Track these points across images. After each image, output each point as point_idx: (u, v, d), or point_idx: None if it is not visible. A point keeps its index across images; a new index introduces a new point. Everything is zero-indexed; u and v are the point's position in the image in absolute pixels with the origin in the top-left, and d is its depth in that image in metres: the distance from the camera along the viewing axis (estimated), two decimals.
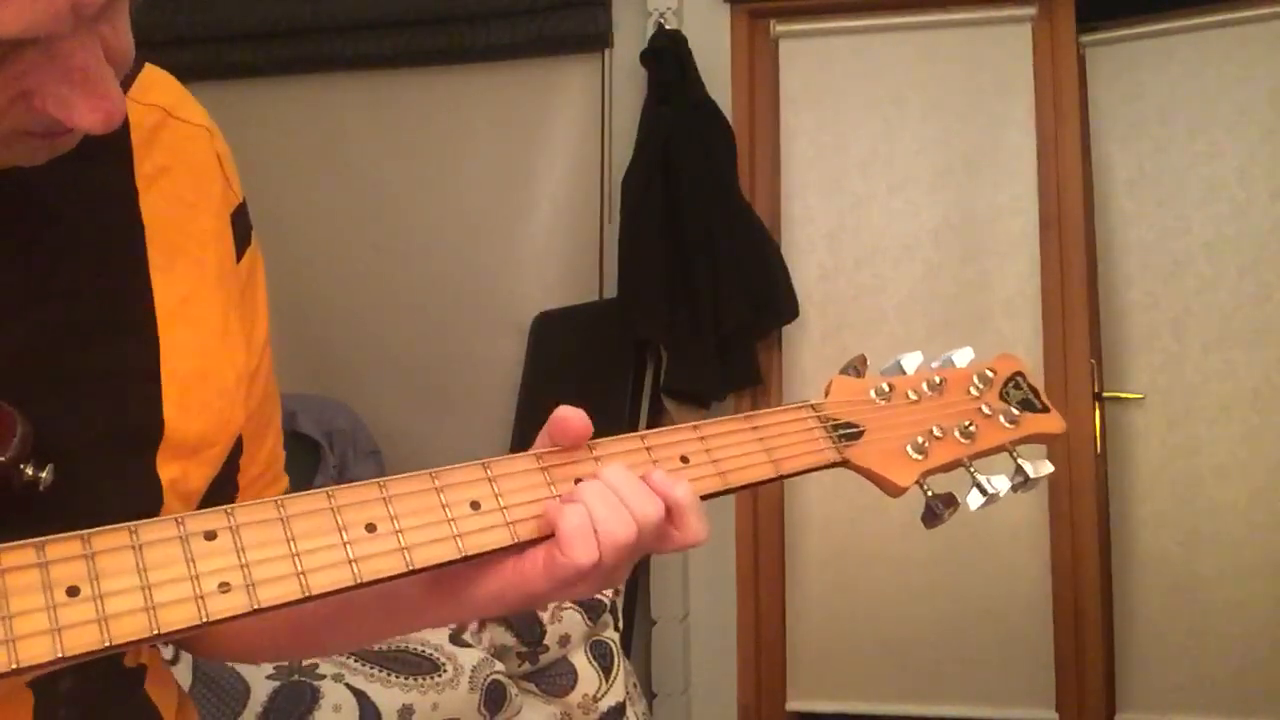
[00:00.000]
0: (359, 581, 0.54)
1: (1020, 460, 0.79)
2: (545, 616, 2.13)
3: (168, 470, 0.63)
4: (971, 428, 0.79)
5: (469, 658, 1.95)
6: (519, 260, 3.23)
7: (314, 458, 3.01)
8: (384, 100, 3.30)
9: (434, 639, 1.95)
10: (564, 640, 2.17)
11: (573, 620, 2.19)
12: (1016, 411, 0.82)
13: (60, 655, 0.47)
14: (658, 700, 3.00)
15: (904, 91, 3.00)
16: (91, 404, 0.60)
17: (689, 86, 2.94)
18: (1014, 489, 0.79)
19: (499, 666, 2.01)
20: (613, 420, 2.87)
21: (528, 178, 3.22)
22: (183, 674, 1.58)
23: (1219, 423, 2.85)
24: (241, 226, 0.74)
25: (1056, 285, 2.92)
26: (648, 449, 0.67)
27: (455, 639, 1.98)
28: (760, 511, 3.05)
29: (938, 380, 0.80)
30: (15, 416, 0.52)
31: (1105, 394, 2.96)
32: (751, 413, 0.73)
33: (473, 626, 2.04)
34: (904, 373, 0.80)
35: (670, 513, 0.64)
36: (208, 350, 0.67)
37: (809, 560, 3.01)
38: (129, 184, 0.65)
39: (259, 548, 0.53)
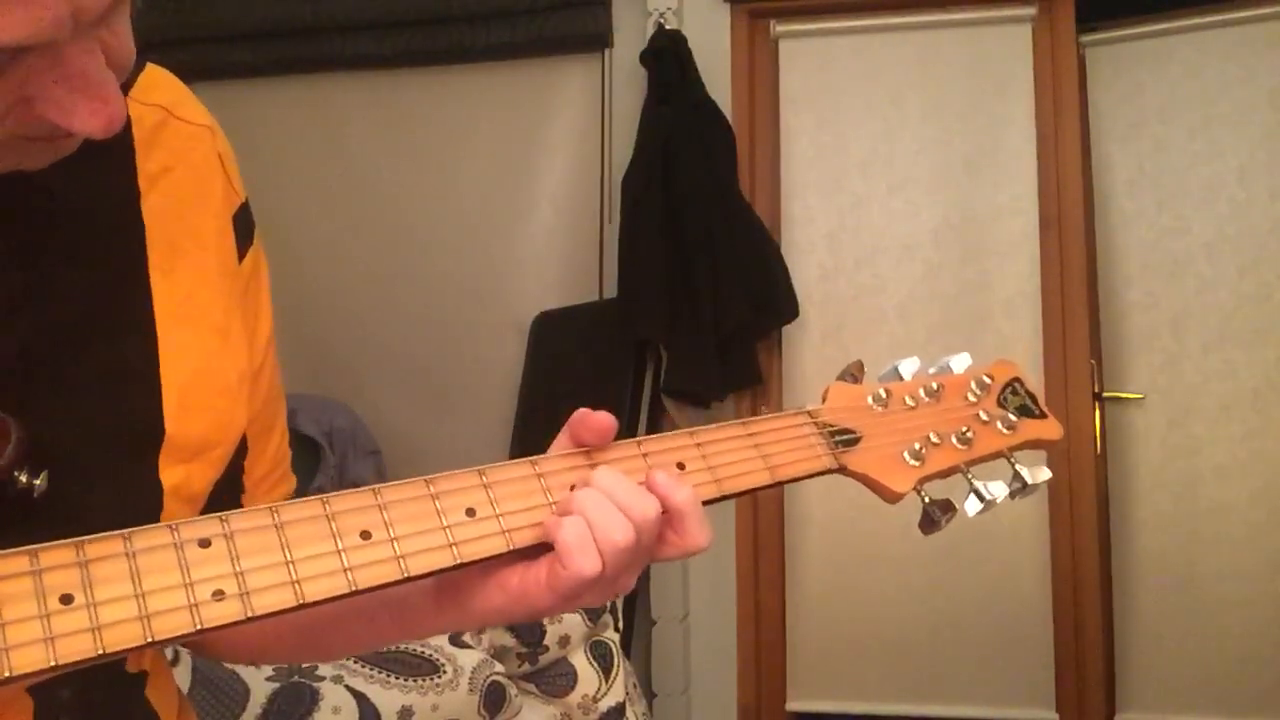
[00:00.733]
0: (354, 589, 0.54)
1: (1018, 466, 0.79)
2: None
3: (171, 473, 0.62)
4: (969, 434, 0.79)
5: (469, 659, 1.95)
6: (519, 260, 3.23)
7: (314, 458, 3.01)
8: (384, 100, 3.30)
9: (433, 640, 1.95)
10: (564, 641, 2.17)
11: (572, 621, 2.19)
12: (1014, 417, 0.82)
13: (53, 663, 0.46)
14: (658, 700, 3.00)
15: (904, 91, 3.00)
16: (90, 406, 0.60)
17: (689, 86, 2.94)
18: (1011, 495, 0.79)
19: (499, 667, 2.01)
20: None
21: (528, 178, 3.22)
22: (181, 676, 1.58)
23: (1219, 423, 2.85)
24: (243, 226, 0.73)
25: (1056, 285, 2.92)
26: (644, 455, 0.67)
27: (455, 640, 1.98)
28: (760, 512, 3.05)
29: (935, 386, 0.80)
30: (10, 424, 0.52)
31: (1105, 394, 2.96)
32: (748, 419, 0.72)
33: None
34: (901, 379, 0.80)
35: (671, 518, 0.64)
36: (209, 351, 0.67)
37: (809, 560, 3.01)
38: (131, 184, 0.65)
39: (253, 555, 0.52)
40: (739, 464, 0.70)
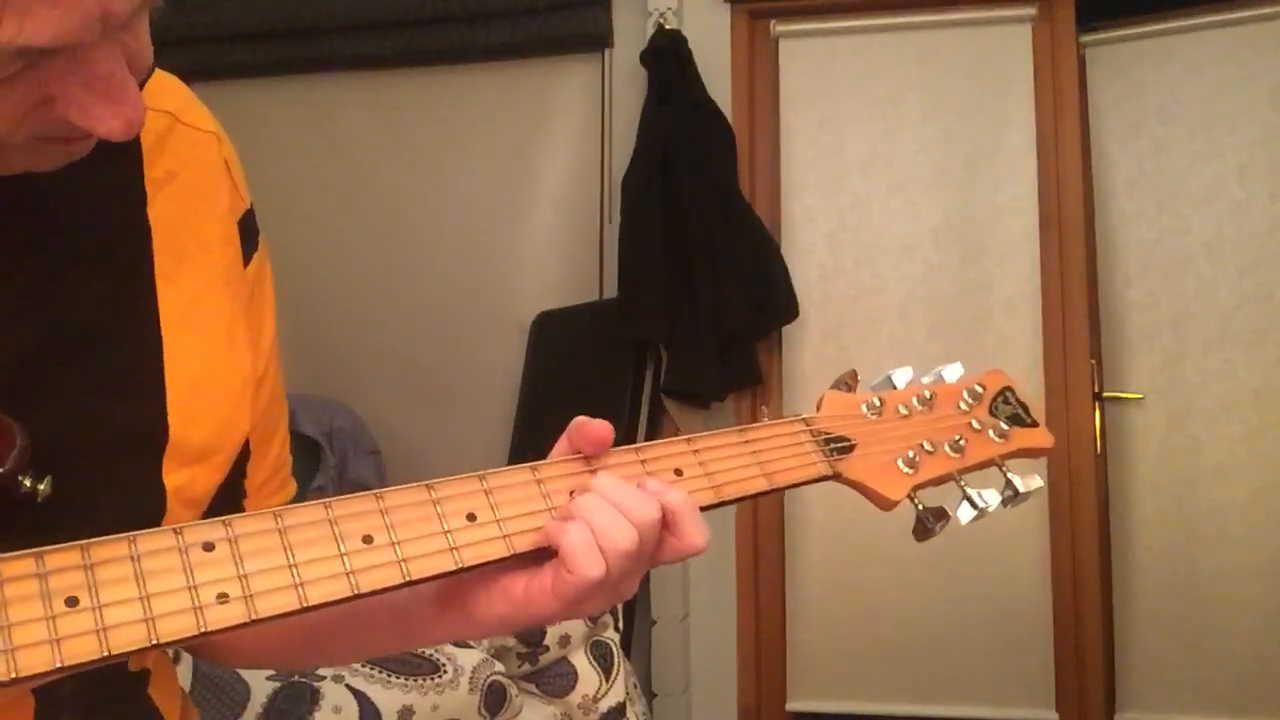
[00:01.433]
0: (356, 593, 0.54)
1: (1010, 475, 0.80)
2: None
3: (174, 477, 0.63)
4: (961, 442, 0.80)
5: (469, 658, 1.95)
6: (519, 260, 3.23)
7: (314, 458, 3.01)
8: (384, 100, 3.30)
9: None
10: (564, 641, 2.17)
11: (572, 621, 2.19)
12: (1006, 426, 0.83)
13: (59, 665, 0.47)
14: (658, 700, 3.00)
15: (904, 91, 3.00)
16: (95, 410, 0.60)
17: (689, 87, 2.95)
18: (1004, 503, 0.80)
19: (499, 667, 2.01)
20: (613, 421, 2.86)
21: (528, 178, 3.22)
22: (183, 675, 1.58)
23: (1219, 423, 2.85)
24: (249, 231, 0.74)
25: (1056, 285, 2.92)
26: (642, 462, 0.67)
27: (455, 640, 1.98)
28: (760, 512, 3.05)
29: (928, 395, 0.81)
30: (15, 428, 0.52)
31: (1105, 394, 2.96)
32: (745, 427, 0.73)
33: None
34: (894, 388, 0.81)
35: (667, 520, 0.64)
36: (213, 356, 0.67)
37: (809, 560, 3.01)
38: (137, 189, 0.66)
39: (257, 558, 0.53)
40: (736, 470, 0.70)
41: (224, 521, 0.53)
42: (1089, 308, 2.94)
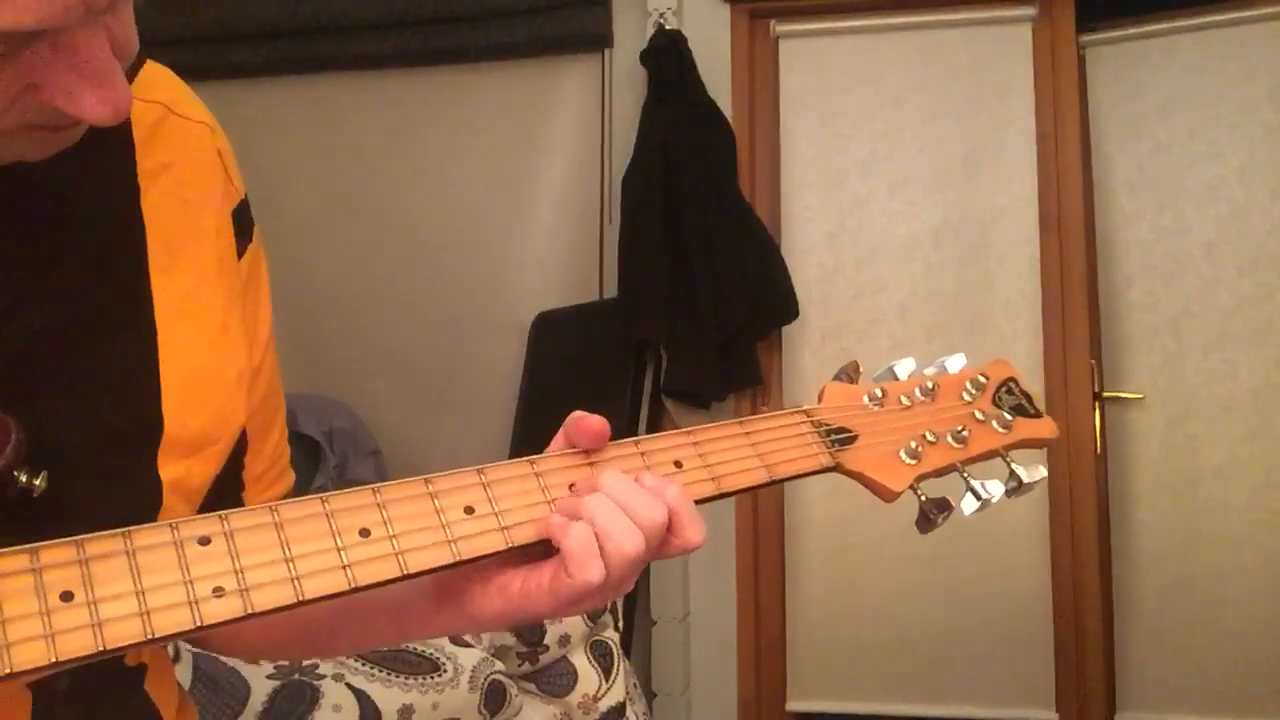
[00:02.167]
0: (353, 586, 0.54)
1: (1014, 465, 0.80)
2: None
3: (170, 469, 0.62)
4: (964, 433, 0.79)
5: (469, 658, 1.95)
6: (519, 260, 3.23)
7: (314, 458, 3.01)
8: (384, 100, 3.30)
9: (434, 639, 1.95)
10: (564, 640, 2.17)
11: (573, 620, 2.19)
12: (1009, 417, 0.82)
13: (54, 660, 0.47)
14: (658, 700, 3.00)
15: (904, 91, 3.00)
16: (90, 403, 0.60)
17: (689, 87, 2.94)
18: (1008, 494, 0.79)
19: (499, 666, 2.01)
20: (613, 421, 2.86)
21: (528, 178, 3.22)
22: (183, 673, 1.58)
23: (1219, 423, 2.85)
24: (243, 223, 0.74)
25: (1056, 285, 2.92)
26: (642, 454, 0.67)
27: (455, 638, 1.98)
28: (760, 511, 3.05)
29: (930, 386, 0.81)
30: (10, 424, 0.52)
31: (1105, 394, 2.96)
32: (745, 418, 0.72)
33: None
34: (897, 378, 0.81)
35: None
36: (208, 347, 0.67)
37: (809, 560, 3.01)
38: (130, 180, 0.65)
39: (253, 553, 0.53)
40: (736, 462, 0.70)
41: (220, 516, 0.53)
42: (1089, 308, 2.94)
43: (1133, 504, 2.94)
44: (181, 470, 0.63)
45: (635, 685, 2.38)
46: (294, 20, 3.26)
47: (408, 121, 3.29)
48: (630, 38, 3.08)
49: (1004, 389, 0.84)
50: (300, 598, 0.52)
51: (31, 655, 0.46)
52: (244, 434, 0.71)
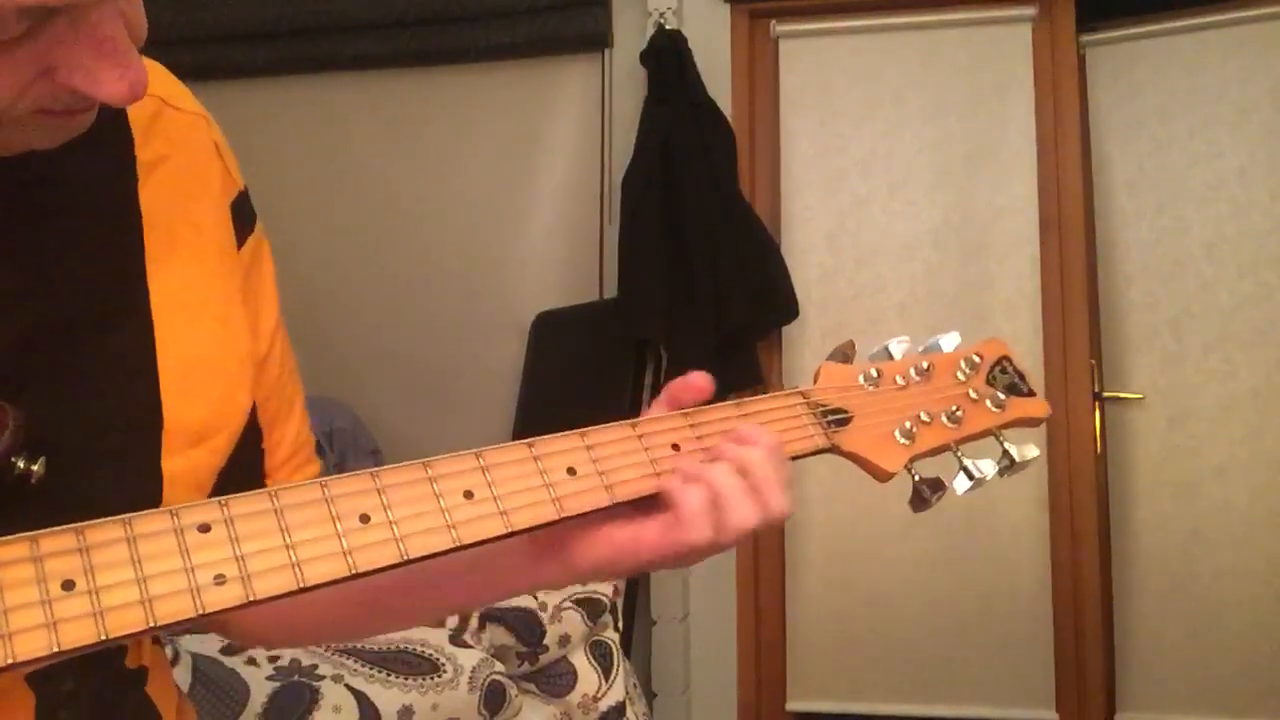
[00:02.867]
0: (354, 572, 0.54)
1: (1006, 444, 0.80)
2: (545, 617, 2.13)
3: (174, 461, 0.62)
4: (958, 412, 0.79)
5: (469, 658, 1.95)
6: (519, 260, 3.23)
7: None
8: (384, 100, 3.30)
9: (434, 639, 1.95)
10: (564, 640, 2.17)
11: (573, 620, 2.19)
12: (1003, 396, 0.82)
13: (56, 649, 0.46)
14: (658, 700, 3.00)
15: (904, 91, 3.00)
16: (89, 394, 0.60)
17: (689, 87, 2.94)
18: (1000, 473, 0.79)
19: (499, 667, 2.01)
20: (613, 421, 2.86)
21: (528, 178, 3.22)
22: (182, 675, 1.58)
23: (1219, 423, 2.85)
24: (242, 214, 0.74)
25: (1056, 285, 2.92)
26: (639, 436, 0.67)
27: (455, 639, 1.98)
28: None
29: (925, 365, 0.81)
30: (7, 409, 0.52)
31: (1105, 394, 2.96)
32: (742, 400, 0.72)
33: (473, 626, 2.04)
34: (892, 358, 0.81)
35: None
36: (208, 337, 0.67)
37: (809, 560, 3.01)
38: (128, 173, 0.66)
39: (253, 539, 0.52)
40: None
41: (220, 502, 0.53)
42: (1089, 308, 2.94)
43: (1133, 504, 2.94)
44: (186, 462, 0.63)
45: (635, 685, 2.38)
46: (294, 20, 3.26)
47: (408, 121, 3.29)
48: (630, 38, 3.08)
49: (998, 367, 0.84)
50: (302, 584, 0.52)
51: (33, 645, 0.46)
52: (255, 422, 0.72)
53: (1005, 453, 0.79)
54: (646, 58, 2.98)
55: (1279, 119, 2.83)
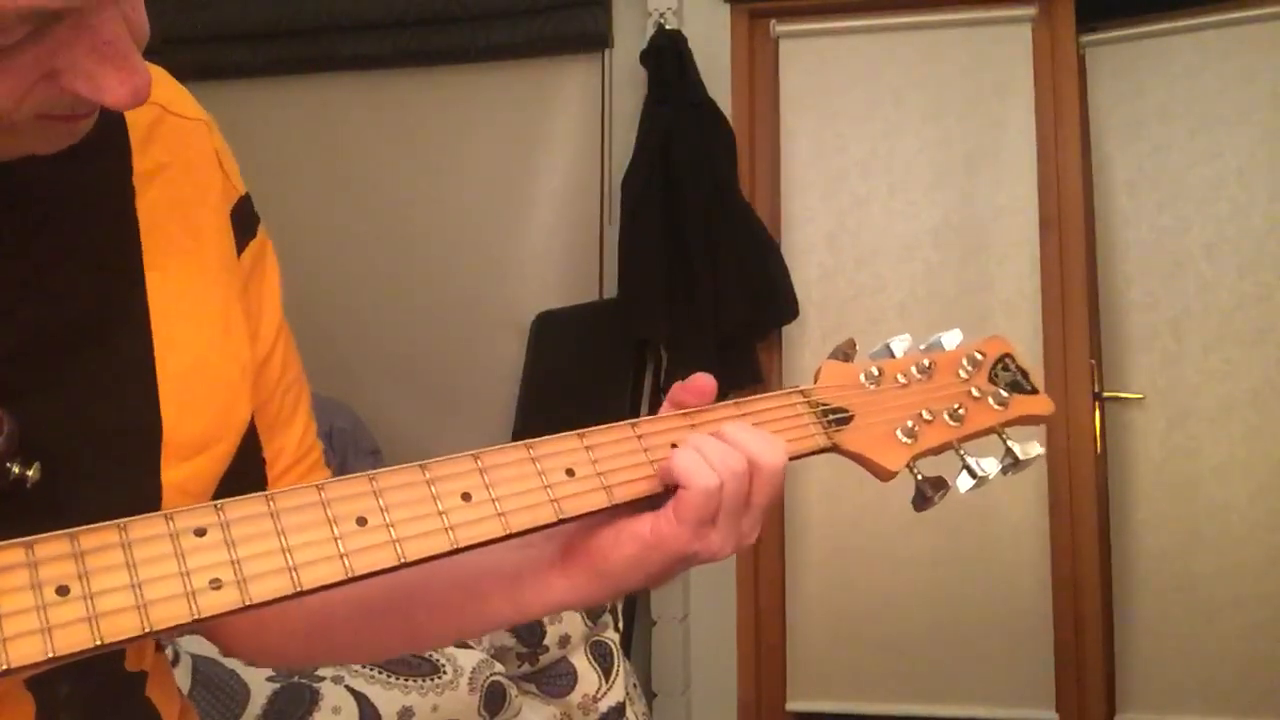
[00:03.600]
0: (350, 575, 0.54)
1: (1009, 442, 0.79)
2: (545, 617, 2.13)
3: (174, 471, 0.62)
4: (961, 410, 0.78)
5: (468, 659, 1.95)
6: (519, 260, 3.23)
7: None
8: (384, 100, 3.30)
9: None
10: (564, 641, 2.17)
11: (573, 621, 2.19)
12: (1005, 393, 0.81)
13: (51, 655, 0.46)
14: (658, 700, 3.00)
15: (904, 91, 3.00)
16: (87, 403, 0.60)
17: (689, 87, 2.94)
18: (1003, 471, 0.78)
19: (499, 668, 2.01)
20: (613, 420, 2.86)
21: (528, 178, 3.22)
22: (181, 676, 1.58)
23: (1219, 423, 2.85)
24: (243, 220, 0.73)
25: (1056, 285, 2.92)
26: (639, 437, 0.67)
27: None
28: None
29: (926, 363, 0.80)
30: (1, 415, 0.52)
31: (1105, 394, 2.96)
32: (741, 399, 0.72)
33: None
34: (893, 356, 0.80)
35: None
36: (208, 345, 0.67)
37: (809, 560, 3.01)
38: (126, 182, 0.65)
39: (249, 543, 0.52)
40: None
41: (215, 506, 0.53)
42: (1089, 308, 2.94)
43: (1133, 504, 2.93)
44: (186, 471, 0.63)
45: (635, 685, 2.38)
46: (294, 20, 3.26)
47: (408, 121, 3.29)
48: (630, 38, 3.08)
49: (1000, 365, 0.83)
50: (298, 588, 0.52)
51: (29, 651, 0.46)
52: (253, 430, 0.71)
53: (1009, 450, 0.78)
54: (646, 58, 2.98)
55: (1279, 119, 2.83)
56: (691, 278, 2.84)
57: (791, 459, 0.70)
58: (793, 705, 3.02)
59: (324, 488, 0.56)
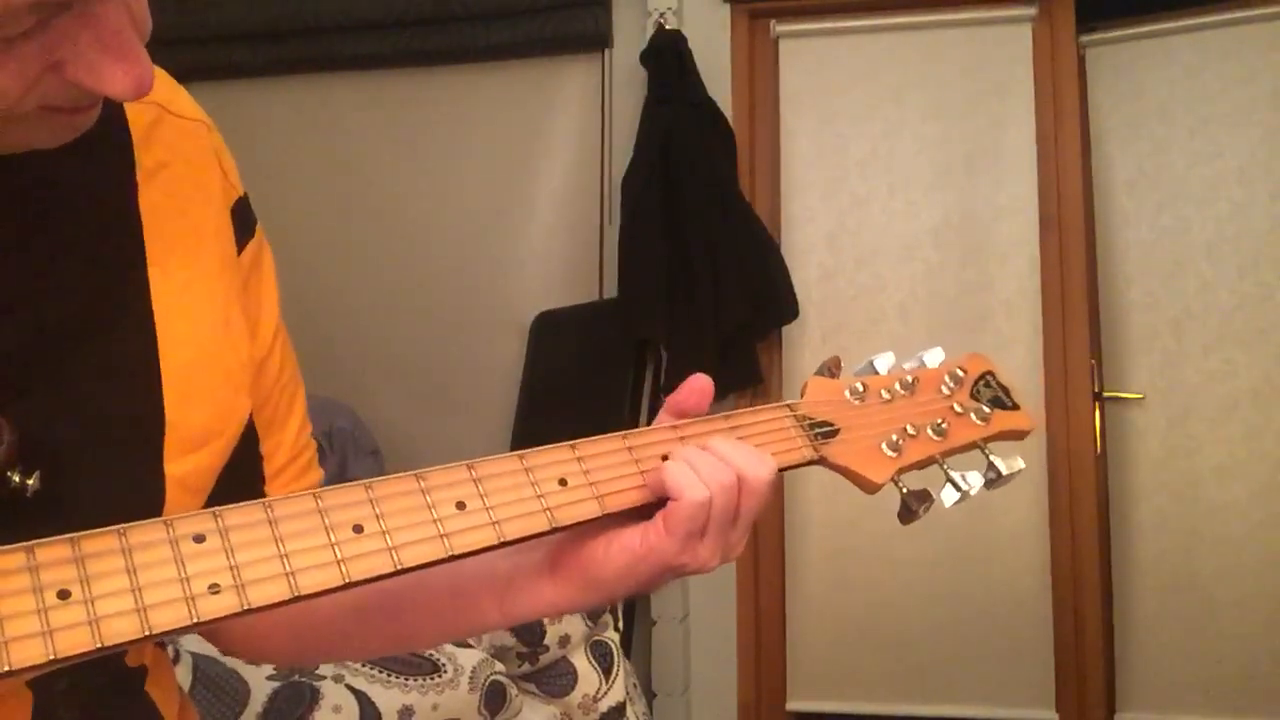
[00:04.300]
0: (347, 581, 0.55)
1: (992, 457, 0.81)
2: None
3: (177, 465, 0.63)
4: (944, 425, 0.80)
5: (469, 658, 1.95)
6: (519, 260, 3.23)
7: None
8: (384, 100, 3.30)
9: None
10: (564, 640, 2.17)
11: (573, 621, 2.19)
12: (987, 409, 0.83)
13: (52, 657, 0.47)
14: (658, 700, 3.00)
15: (904, 91, 3.00)
16: (90, 400, 0.60)
17: (689, 87, 2.95)
18: (987, 485, 0.80)
19: (499, 667, 2.01)
20: (613, 420, 2.88)
21: (528, 178, 3.22)
22: (182, 674, 1.58)
23: (1219, 423, 2.85)
24: (242, 220, 0.74)
25: (1056, 285, 2.92)
26: (629, 449, 0.68)
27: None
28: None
29: (910, 380, 0.82)
30: (1, 425, 0.52)
31: (1105, 394, 2.96)
32: (730, 413, 0.74)
33: None
34: (877, 373, 0.82)
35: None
36: (209, 341, 0.67)
37: (809, 560, 3.01)
38: (128, 179, 0.66)
39: (248, 549, 0.53)
40: None
41: (214, 513, 0.53)
42: (1089, 308, 2.94)
43: (1133, 504, 2.94)
44: (188, 465, 0.64)
45: (635, 685, 2.38)
46: (294, 20, 3.26)
47: (408, 121, 3.29)
48: (630, 38, 3.09)
49: (982, 382, 0.86)
50: (296, 594, 0.53)
51: (30, 653, 0.46)
52: (251, 425, 0.72)
53: (991, 465, 0.80)
54: (646, 58, 2.98)
55: (1279, 119, 2.83)
56: (691, 278, 2.84)
57: (780, 471, 0.72)
58: (793, 705, 3.02)
59: (321, 496, 0.57)
